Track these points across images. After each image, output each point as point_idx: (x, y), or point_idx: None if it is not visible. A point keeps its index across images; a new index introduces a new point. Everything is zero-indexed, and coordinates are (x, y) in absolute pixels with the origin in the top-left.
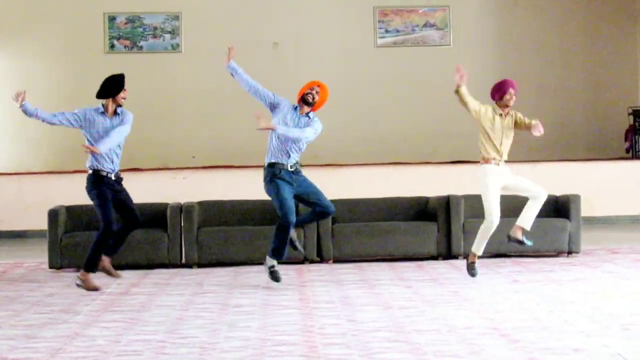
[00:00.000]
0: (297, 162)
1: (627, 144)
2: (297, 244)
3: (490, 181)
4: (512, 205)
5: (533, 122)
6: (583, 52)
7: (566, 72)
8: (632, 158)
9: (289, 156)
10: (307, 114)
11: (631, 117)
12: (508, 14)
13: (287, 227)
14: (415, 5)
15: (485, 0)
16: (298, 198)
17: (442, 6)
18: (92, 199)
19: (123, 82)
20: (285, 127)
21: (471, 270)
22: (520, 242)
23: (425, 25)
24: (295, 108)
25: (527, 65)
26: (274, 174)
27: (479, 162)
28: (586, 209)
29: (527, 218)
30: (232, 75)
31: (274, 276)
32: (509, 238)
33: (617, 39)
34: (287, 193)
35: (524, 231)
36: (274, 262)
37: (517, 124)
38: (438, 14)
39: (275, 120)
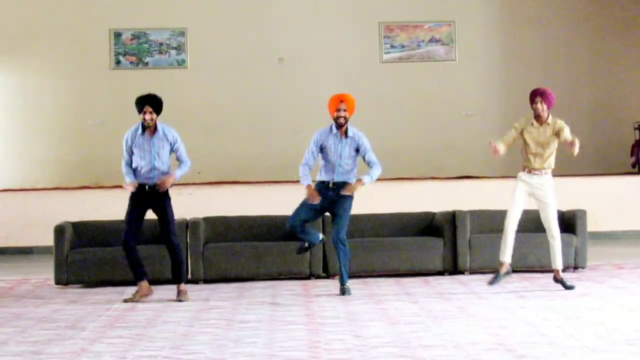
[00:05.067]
0: (343, 181)
1: (633, 159)
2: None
3: (518, 187)
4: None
5: (569, 139)
6: (589, 66)
7: (572, 87)
8: (638, 173)
9: (334, 176)
10: (345, 133)
11: (637, 132)
12: (513, 29)
13: (290, 228)
14: (421, 21)
15: (491, 15)
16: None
17: (448, 21)
18: None
19: (139, 104)
20: (368, 177)
21: (494, 279)
22: (563, 284)
23: (430, 41)
24: (331, 130)
25: (533, 80)
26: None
27: (485, 177)
28: (592, 224)
29: (553, 259)
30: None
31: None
32: (555, 280)
33: (622, 53)
34: (307, 207)
35: (560, 272)
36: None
37: (557, 135)
38: (443, 29)
39: (326, 154)
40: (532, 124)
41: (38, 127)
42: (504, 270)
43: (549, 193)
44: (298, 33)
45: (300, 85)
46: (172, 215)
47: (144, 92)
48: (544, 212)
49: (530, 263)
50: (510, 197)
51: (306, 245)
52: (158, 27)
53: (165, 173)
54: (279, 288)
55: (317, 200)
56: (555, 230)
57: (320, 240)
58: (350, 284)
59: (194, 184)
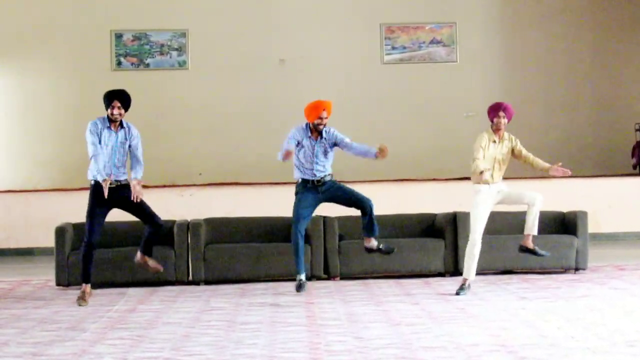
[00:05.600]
0: (324, 176)
1: (634, 160)
2: (382, 246)
3: (481, 200)
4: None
5: (550, 166)
6: (590, 67)
7: (573, 88)
8: (639, 174)
9: (314, 174)
10: (320, 134)
11: (638, 133)
12: (515, 31)
13: (294, 233)
14: (422, 22)
15: (492, 16)
16: (334, 201)
17: (449, 23)
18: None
19: (108, 98)
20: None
21: (459, 290)
22: (534, 252)
23: (431, 42)
24: (307, 131)
25: (534, 82)
26: (299, 189)
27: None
28: (593, 226)
29: (531, 224)
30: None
31: (298, 287)
32: (521, 249)
33: (623, 54)
34: (304, 205)
35: (534, 239)
36: (300, 275)
37: (514, 153)
38: (444, 30)
39: (301, 153)
40: (495, 141)
41: (39, 128)
42: (467, 284)
43: (509, 186)
44: (299, 34)
45: (301, 86)
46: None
47: (145, 93)
48: (517, 196)
49: (531, 265)
50: (475, 215)
51: (300, 280)
52: (159, 28)
53: (122, 169)
54: (280, 289)
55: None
56: (536, 194)
57: (305, 279)
58: (350, 285)
59: (195, 185)
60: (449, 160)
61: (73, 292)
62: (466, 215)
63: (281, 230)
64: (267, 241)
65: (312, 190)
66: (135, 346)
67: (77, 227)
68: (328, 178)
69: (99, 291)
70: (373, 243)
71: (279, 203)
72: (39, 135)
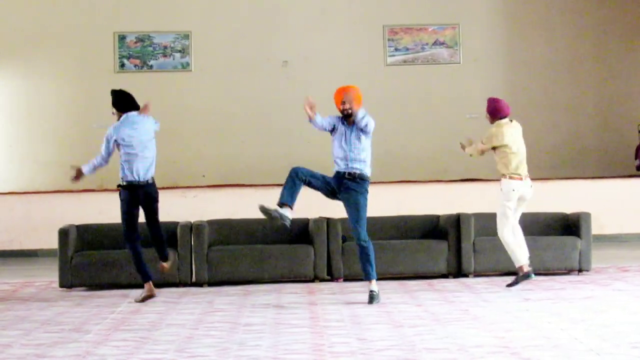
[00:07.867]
0: (353, 173)
1: (637, 162)
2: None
3: (515, 197)
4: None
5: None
6: (593, 68)
7: (576, 89)
8: None
9: (347, 165)
10: (354, 121)
11: None
12: (518, 32)
13: (292, 171)
14: (425, 24)
15: (495, 18)
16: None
17: (452, 24)
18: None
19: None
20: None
21: (518, 279)
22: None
23: (434, 44)
24: (342, 120)
25: (537, 83)
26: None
27: (491, 180)
28: (596, 227)
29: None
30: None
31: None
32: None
33: (626, 56)
34: (318, 175)
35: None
36: (277, 207)
37: None
38: (448, 32)
39: (335, 141)
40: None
41: (42, 130)
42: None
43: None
44: (302, 36)
45: (304, 88)
46: None
47: (148, 95)
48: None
49: (534, 266)
50: (507, 210)
51: (275, 212)
52: (162, 30)
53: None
54: (283, 291)
55: (310, 104)
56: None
57: (284, 220)
58: (354, 287)
59: (198, 187)
60: (452, 161)
61: (76, 294)
62: (469, 217)
63: (284, 232)
64: (270, 243)
65: (336, 180)
66: (139, 348)
67: (80, 228)
68: (362, 177)
69: (102, 293)
70: (372, 286)
71: None
72: (42, 137)
